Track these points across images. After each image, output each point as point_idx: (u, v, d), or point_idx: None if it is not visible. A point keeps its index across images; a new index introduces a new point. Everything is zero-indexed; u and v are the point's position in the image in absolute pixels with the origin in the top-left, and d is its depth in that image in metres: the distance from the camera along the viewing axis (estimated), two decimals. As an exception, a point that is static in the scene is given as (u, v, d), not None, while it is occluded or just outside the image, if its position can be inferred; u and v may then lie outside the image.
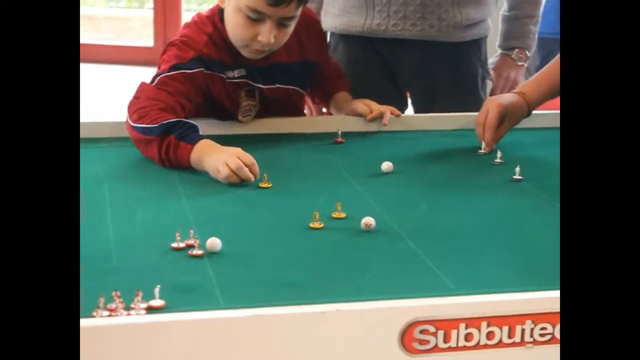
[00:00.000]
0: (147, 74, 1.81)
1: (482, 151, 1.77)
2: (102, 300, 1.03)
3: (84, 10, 6.16)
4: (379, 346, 1.02)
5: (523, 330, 1.05)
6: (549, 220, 1.40)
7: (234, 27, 1.73)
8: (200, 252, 1.22)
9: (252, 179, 1.51)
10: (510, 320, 1.05)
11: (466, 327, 1.04)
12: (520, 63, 2.21)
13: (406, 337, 1.03)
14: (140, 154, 1.65)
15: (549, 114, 1.97)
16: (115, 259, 1.21)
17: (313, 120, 2.03)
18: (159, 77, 1.70)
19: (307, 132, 1.88)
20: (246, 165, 1.51)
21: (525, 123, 1.84)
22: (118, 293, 1.04)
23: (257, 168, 1.52)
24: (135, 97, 1.69)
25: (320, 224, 1.34)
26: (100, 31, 6.33)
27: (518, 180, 1.59)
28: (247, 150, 1.55)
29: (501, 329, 1.05)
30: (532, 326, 1.05)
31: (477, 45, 2.13)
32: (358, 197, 1.50)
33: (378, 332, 1.02)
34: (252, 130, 1.84)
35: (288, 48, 1.83)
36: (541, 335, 1.06)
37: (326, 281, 1.16)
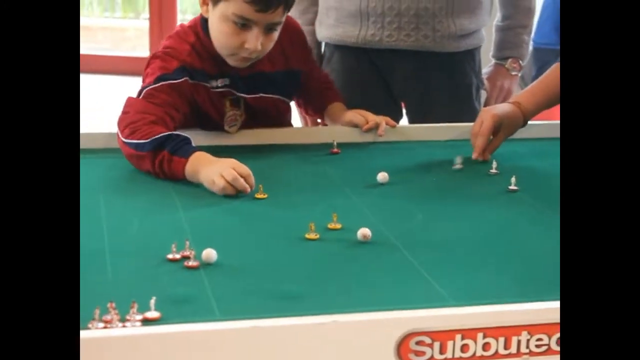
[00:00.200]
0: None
1: (473, 158, 1.77)
2: (97, 311, 1.02)
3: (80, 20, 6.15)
4: (375, 357, 1.02)
5: (519, 342, 1.05)
6: (544, 231, 1.40)
7: (220, 36, 1.73)
8: (195, 263, 1.22)
9: (248, 189, 1.51)
10: (506, 332, 1.05)
11: (462, 338, 1.04)
12: (514, 73, 2.22)
13: (402, 349, 1.03)
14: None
15: (545, 124, 1.97)
16: (111, 270, 1.21)
17: (308, 131, 2.03)
18: (145, 90, 1.70)
19: (303, 142, 1.88)
20: (242, 176, 1.51)
21: (520, 133, 1.85)
22: (113, 304, 1.04)
23: (252, 179, 1.52)
24: (124, 112, 1.68)
25: (316, 235, 1.34)
26: (96, 41, 6.33)
27: (513, 191, 1.60)
28: (242, 161, 1.55)
29: (497, 340, 1.05)
30: (528, 337, 1.05)
31: (471, 56, 2.13)
32: (354, 208, 1.50)
33: (374, 344, 1.02)
34: (246, 141, 1.84)
35: (271, 57, 1.83)
36: (537, 346, 1.06)
37: (322, 292, 1.16)
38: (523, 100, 1.83)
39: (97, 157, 1.73)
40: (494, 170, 1.71)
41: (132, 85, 2.02)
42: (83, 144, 1.74)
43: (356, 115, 1.91)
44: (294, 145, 1.87)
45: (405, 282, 1.20)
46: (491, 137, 1.79)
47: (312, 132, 1.98)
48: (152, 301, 1.06)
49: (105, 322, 1.03)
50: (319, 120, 2.09)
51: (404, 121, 2.20)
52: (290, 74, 1.89)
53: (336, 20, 2.09)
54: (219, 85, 1.79)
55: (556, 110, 1.82)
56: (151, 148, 1.58)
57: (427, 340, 1.03)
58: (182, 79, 1.72)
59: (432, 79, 2.10)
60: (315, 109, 2.03)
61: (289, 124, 1.98)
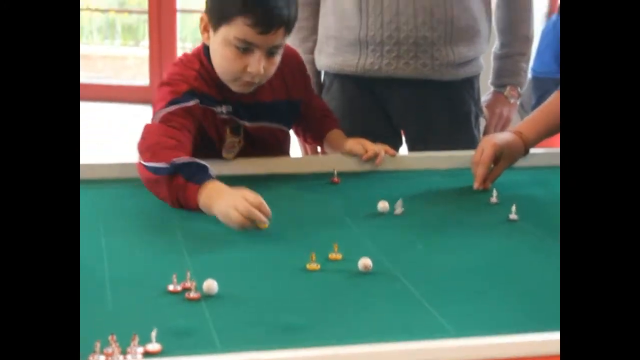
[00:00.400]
0: (142, 112, 1.81)
1: (475, 188, 1.77)
2: (98, 344, 1.02)
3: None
4: (377, 390, 1.02)
5: (520, 373, 1.05)
6: (545, 259, 1.40)
7: (222, 61, 1.74)
8: (197, 295, 1.22)
9: (266, 221, 1.48)
10: (508, 363, 1.05)
11: (464, 370, 1.04)
12: (512, 100, 2.23)
13: (404, 381, 1.02)
14: (136, 196, 1.65)
15: (545, 152, 1.98)
16: (111, 302, 1.20)
17: (308, 160, 2.04)
18: (160, 114, 1.71)
19: (303, 172, 1.88)
20: (254, 206, 1.49)
21: (520, 161, 1.85)
22: (114, 337, 1.03)
23: (266, 207, 1.49)
24: (143, 138, 1.69)
25: (317, 265, 1.34)
26: (95, 70, 6.35)
27: (514, 220, 1.59)
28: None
29: (499, 372, 1.05)
30: (530, 369, 1.05)
31: (470, 83, 2.14)
32: (355, 237, 1.50)
33: (376, 376, 1.02)
34: (246, 171, 1.84)
35: (273, 87, 1.84)
36: (539, 377, 1.06)
37: (324, 324, 1.16)
38: (524, 129, 1.84)
39: (97, 188, 1.73)
40: (494, 199, 1.71)
41: (131, 114, 2.03)
42: (83, 175, 1.74)
43: (355, 144, 1.91)
44: (294, 174, 1.87)
45: (406, 313, 1.20)
46: (492, 166, 1.80)
47: (312, 161, 1.99)
48: (154, 333, 1.06)
49: (107, 355, 1.02)
50: (319, 149, 2.09)
51: (404, 149, 2.21)
52: (291, 104, 1.90)
53: (336, 49, 2.10)
54: (224, 111, 1.79)
55: (556, 138, 1.82)
56: (168, 172, 1.58)
57: (429, 372, 1.03)
58: (193, 103, 1.73)
59: (431, 107, 2.11)
60: (314, 137, 2.04)
61: (288, 153, 1.98)
